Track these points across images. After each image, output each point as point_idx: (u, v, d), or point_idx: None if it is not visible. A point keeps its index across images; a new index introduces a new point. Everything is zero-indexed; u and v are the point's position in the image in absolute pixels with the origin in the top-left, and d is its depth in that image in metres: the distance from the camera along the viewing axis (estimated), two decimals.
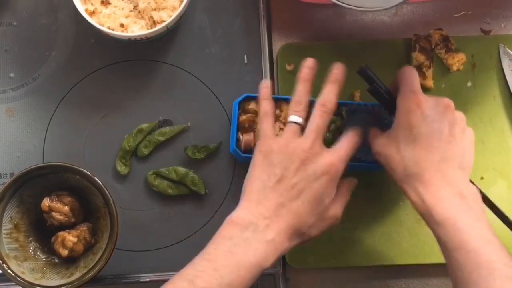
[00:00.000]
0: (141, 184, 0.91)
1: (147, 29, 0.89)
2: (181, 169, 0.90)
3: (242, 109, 0.88)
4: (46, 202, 0.82)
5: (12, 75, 0.93)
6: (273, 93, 0.93)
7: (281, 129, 0.86)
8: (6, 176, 0.90)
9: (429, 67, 0.92)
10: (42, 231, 0.84)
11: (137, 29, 0.89)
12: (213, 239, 0.72)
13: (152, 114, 0.92)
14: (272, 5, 0.96)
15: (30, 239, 0.83)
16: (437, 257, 0.88)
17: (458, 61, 0.92)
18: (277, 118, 0.87)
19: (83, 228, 0.83)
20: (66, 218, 0.82)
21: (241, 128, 0.87)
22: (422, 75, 0.92)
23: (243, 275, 0.69)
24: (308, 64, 0.80)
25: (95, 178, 0.81)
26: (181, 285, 0.68)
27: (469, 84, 0.93)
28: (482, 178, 0.91)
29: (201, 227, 0.90)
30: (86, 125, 0.92)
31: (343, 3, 0.83)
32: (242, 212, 0.73)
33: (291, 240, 0.73)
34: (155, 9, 0.89)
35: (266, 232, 0.71)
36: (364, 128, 0.81)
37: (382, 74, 0.93)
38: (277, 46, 0.95)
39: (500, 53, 0.93)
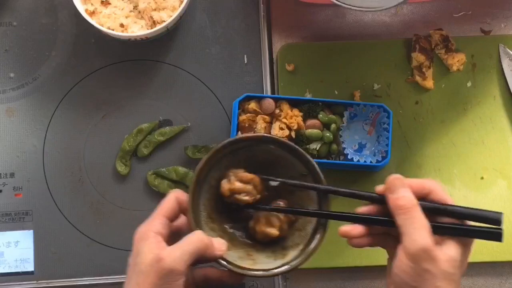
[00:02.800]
0: (141, 184, 0.91)
1: (147, 29, 0.89)
2: (181, 169, 0.90)
3: (242, 108, 0.88)
4: (225, 186, 0.73)
5: (12, 75, 0.93)
6: (273, 93, 0.94)
7: (281, 129, 0.86)
8: (6, 176, 0.90)
9: (429, 67, 0.92)
10: (232, 218, 0.76)
11: (137, 29, 0.89)
12: None
13: (152, 114, 0.92)
14: (272, 5, 0.96)
15: (223, 226, 0.75)
16: None
17: (458, 61, 0.92)
18: (277, 118, 0.87)
19: (281, 205, 0.75)
20: (252, 197, 0.73)
21: (241, 127, 0.87)
22: (422, 75, 0.92)
23: None
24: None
25: (294, 145, 0.74)
26: None
27: (469, 84, 0.93)
28: (482, 178, 0.91)
29: None
30: (86, 125, 0.92)
31: (343, 3, 0.82)
32: None
33: None
34: (155, 9, 0.89)
35: None
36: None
37: (382, 74, 0.93)
38: (277, 46, 0.95)
39: (500, 53, 0.93)
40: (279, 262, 0.73)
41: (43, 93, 0.93)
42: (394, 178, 0.68)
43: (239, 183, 0.73)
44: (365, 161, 0.87)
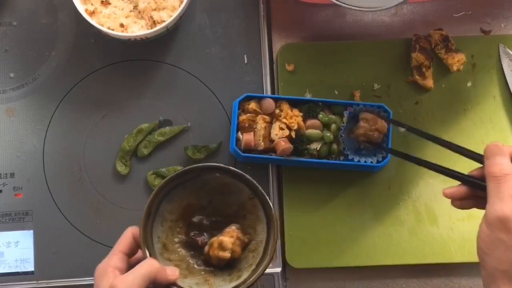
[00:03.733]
0: (141, 184, 0.91)
1: (147, 29, 0.89)
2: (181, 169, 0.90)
3: (242, 108, 0.88)
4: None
5: (12, 75, 0.93)
6: (273, 93, 0.94)
7: (281, 129, 0.86)
8: (6, 176, 0.90)
9: (429, 67, 0.92)
10: (189, 246, 0.80)
11: (137, 29, 0.89)
12: None
13: (152, 114, 0.92)
14: (272, 5, 0.96)
15: (181, 255, 0.79)
16: (437, 257, 0.89)
17: (458, 61, 0.92)
18: (277, 118, 0.87)
19: (233, 228, 0.78)
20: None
21: (241, 127, 0.87)
22: (422, 75, 0.92)
23: None
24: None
25: (238, 170, 0.77)
26: None
27: (469, 84, 0.93)
28: None
29: None
30: (86, 125, 0.92)
31: (343, 3, 0.83)
32: None
33: None
34: (155, 9, 0.89)
35: None
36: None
37: (382, 74, 0.93)
38: (277, 46, 0.95)
39: (500, 53, 0.93)
40: (233, 283, 0.76)
41: (43, 93, 0.93)
42: (493, 144, 0.69)
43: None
44: (365, 161, 0.87)
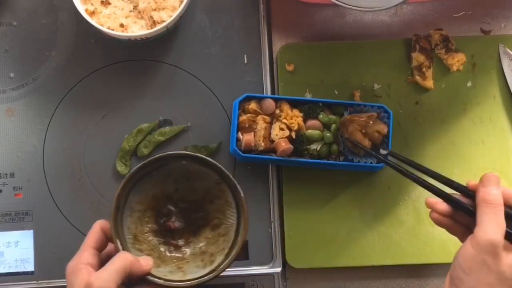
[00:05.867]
0: None
1: (147, 29, 0.89)
2: None
3: (242, 109, 0.88)
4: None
5: (12, 75, 0.93)
6: (273, 93, 0.94)
7: (281, 129, 0.86)
8: (6, 176, 0.90)
9: (429, 67, 0.92)
10: (160, 234, 0.81)
11: (137, 29, 0.89)
12: None
13: (152, 114, 0.92)
14: (272, 5, 0.96)
15: (152, 244, 0.80)
16: (437, 257, 0.89)
17: (458, 61, 0.92)
18: (277, 118, 0.87)
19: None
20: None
21: (241, 128, 0.87)
22: (422, 75, 0.92)
23: None
24: None
25: (204, 156, 0.78)
26: None
27: (469, 84, 0.93)
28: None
29: None
30: (86, 125, 0.92)
31: (343, 3, 0.83)
32: None
33: None
34: (155, 9, 0.89)
35: None
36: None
37: (382, 74, 0.93)
38: (277, 46, 0.95)
39: (500, 53, 0.93)
40: (208, 269, 0.77)
41: (43, 93, 0.93)
42: (492, 174, 0.70)
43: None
44: (365, 162, 0.87)
